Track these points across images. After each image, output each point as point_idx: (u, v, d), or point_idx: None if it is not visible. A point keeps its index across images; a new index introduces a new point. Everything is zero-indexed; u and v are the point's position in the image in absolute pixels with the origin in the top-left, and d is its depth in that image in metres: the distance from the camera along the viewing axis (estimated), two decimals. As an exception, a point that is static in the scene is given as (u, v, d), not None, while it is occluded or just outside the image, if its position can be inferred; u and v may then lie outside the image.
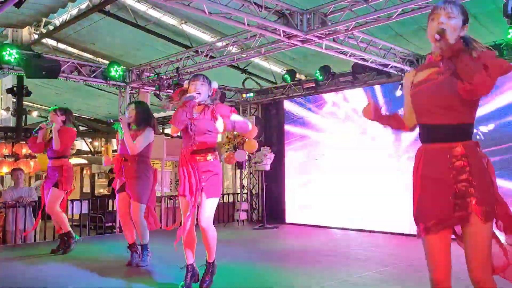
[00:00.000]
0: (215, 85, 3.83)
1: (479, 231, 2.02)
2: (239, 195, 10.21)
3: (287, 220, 9.34)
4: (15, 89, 10.47)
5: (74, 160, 12.60)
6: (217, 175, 3.69)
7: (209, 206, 3.67)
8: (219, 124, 3.69)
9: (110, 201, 9.07)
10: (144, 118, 4.82)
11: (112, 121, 5.14)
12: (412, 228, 7.47)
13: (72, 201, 7.68)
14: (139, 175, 4.74)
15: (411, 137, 7.61)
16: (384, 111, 2.39)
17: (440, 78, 2.07)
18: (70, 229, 5.65)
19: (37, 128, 5.65)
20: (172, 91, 8.52)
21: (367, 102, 2.38)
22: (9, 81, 11.57)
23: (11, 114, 12.16)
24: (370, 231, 7.97)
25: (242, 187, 10.42)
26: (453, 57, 1.93)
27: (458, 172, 2.03)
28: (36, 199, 7.39)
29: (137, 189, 4.70)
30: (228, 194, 10.41)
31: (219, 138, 4.28)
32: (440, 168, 2.06)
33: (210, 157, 3.68)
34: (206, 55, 7.49)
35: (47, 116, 5.88)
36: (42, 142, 5.60)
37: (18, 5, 5.13)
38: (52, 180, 5.53)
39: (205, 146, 3.67)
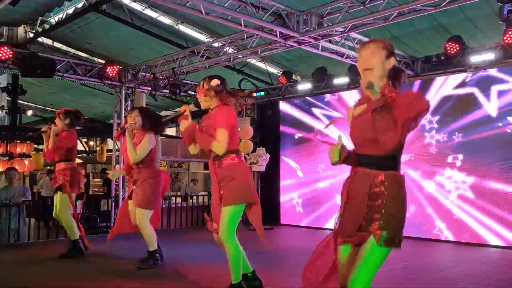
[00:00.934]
0: (214, 82, 3.59)
1: (371, 251, 2.22)
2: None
3: (282, 221, 9.34)
4: (10, 87, 10.42)
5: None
6: (233, 180, 3.38)
7: (224, 215, 3.38)
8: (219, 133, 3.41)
9: (104, 201, 9.03)
10: (147, 125, 4.77)
11: (119, 129, 4.98)
12: (406, 230, 7.48)
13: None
14: (145, 181, 4.71)
15: (407, 139, 7.62)
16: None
17: (368, 115, 2.27)
18: (77, 237, 5.42)
19: (39, 132, 5.58)
20: (167, 91, 8.51)
21: (337, 142, 2.37)
22: (4, 79, 11.51)
23: (6, 113, 12.09)
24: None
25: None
26: (373, 112, 2.20)
27: (372, 197, 2.26)
28: (30, 198, 7.36)
29: (143, 195, 4.67)
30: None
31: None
32: (361, 190, 2.29)
33: (226, 161, 3.43)
34: (202, 56, 7.47)
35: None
36: (50, 148, 5.43)
37: (14, 3, 5.10)
38: (58, 184, 5.45)
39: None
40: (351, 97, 8.51)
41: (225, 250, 3.40)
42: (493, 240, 6.54)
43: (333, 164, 2.35)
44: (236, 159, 3.45)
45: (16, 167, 9.37)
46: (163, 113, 14.25)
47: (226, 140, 3.36)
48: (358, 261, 2.23)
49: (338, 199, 8.40)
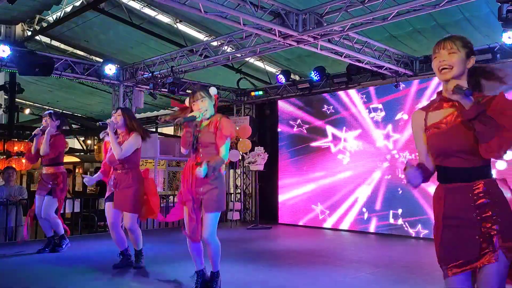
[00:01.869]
0: (214, 91, 3.77)
1: (497, 269, 1.96)
2: (233, 195, 10.19)
3: (280, 221, 9.34)
4: (7, 86, 10.38)
5: (66, 159, 12.50)
6: (216, 188, 3.57)
7: (209, 222, 3.57)
8: (225, 147, 3.59)
9: (101, 199, 9.01)
10: (131, 124, 4.73)
11: (101, 124, 4.99)
12: (405, 230, 7.50)
13: (64, 199, 7.63)
14: (132, 184, 4.64)
15: (403, 139, 7.64)
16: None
17: (457, 122, 2.06)
18: (63, 232, 5.64)
19: (31, 136, 5.58)
20: (166, 90, 8.50)
21: (409, 166, 2.14)
22: (2, 77, 11.46)
23: (3, 111, 12.05)
24: (363, 232, 7.99)
25: (236, 187, 10.41)
26: (472, 119, 1.94)
27: (481, 210, 2.00)
28: (26, 197, 7.35)
29: (131, 199, 4.61)
30: (221, 194, 10.40)
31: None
32: (463, 207, 2.03)
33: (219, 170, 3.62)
34: (201, 55, 7.46)
35: (39, 113, 5.85)
36: (36, 152, 5.52)
37: (11, 1, 5.08)
38: (46, 188, 5.50)
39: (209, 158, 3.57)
40: (350, 96, 8.51)
41: (209, 248, 3.63)
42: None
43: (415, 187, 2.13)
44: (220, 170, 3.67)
45: (14, 166, 9.36)
46: (162, 112, 14.24)
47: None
48: (489, 283, 1.95)
49: (336, 198, 8.43)
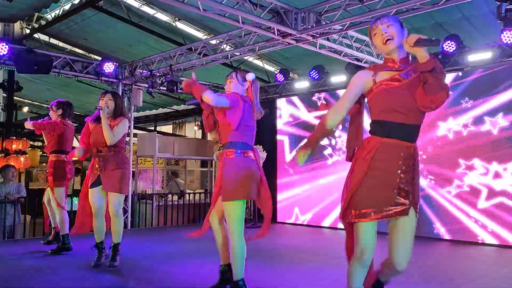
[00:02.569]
0: (249, 77, 3.49)
1: (412, 224, 2.30)
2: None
3: (278, 219, 9.34)
4: (6, 84, 10.37)
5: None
6: (229, 174, 3.36)
7: (226, 212, 3.41)
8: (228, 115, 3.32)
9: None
10: (121, 109, 4.70)
11: (97, 107, 4.73)
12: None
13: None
14: (120, 166, 4.60)
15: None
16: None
17: (405, 82, 2.27)
18: (67, 231, 5.42)
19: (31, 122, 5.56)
20: (165, 88, 8.49)
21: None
22: (0, 75, 11.46)
23: (1, 109, 12.04)
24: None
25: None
26: (429, 71, 2.14)
27: (406, 169, 2.25)
28: (25, 195, 7.35)
29: (120, 180, 4.56)
30: (220, 193, 10.40)
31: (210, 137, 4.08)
32: (392, 162, 2.24)
33: (229, 154, 3.42)
34: (200, 53, 7.46)
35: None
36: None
37: (10, -2, 5.07)
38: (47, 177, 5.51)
39: (224, 141, 3.48)
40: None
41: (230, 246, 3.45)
42: (488, 239, 6.57)
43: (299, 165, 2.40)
44: (232, 154, 3.42)
45: (12, 164, 9.35)
46: (160, 110, 14.23)
47: (216, 99, 3.21)
48: (406, 236, 2.26)
49: (334, 197, 8.43)
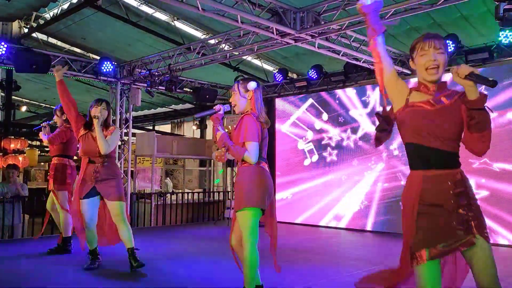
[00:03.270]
0: (251, 86, 3.41)
1: (488, 251, 2.08)
2: (230, 193, 10.20)
3: (277, 219, 9.33)
4: (4, 83, 10.34)
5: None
6: (241, 182, 3.35)
7: (239, 222, 3.38)
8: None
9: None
10: (109, 118, 4.71)
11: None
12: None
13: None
14: (114, 175, 4.58)
15: (400, 138, 7.65)
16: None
17: (438, 107, 2.14)
18: (70, 234, 5.45)
19: (37, 127, 5.55)
20: (163, 88, 8.49)
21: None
22: (-2, 75, 11.43)
23: (0, 108, 12.01)
24: (359, 230, 8.01)
25: (233, 185, 10.41)
26: (474, 107, 2.00)
27: (459, 198, 2.08)
28: (27, 195, 7.38)
29: (118, 189, 4.53)
30: (219, 192, 10.42)
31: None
32: (443, 195, 2.09)
33: (243, 163, 3.38)
34: (198, 52, 7.45)
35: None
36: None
37: (8, -2, 5.06)
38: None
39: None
40: (347, 94, 8.52)
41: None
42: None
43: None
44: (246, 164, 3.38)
45: (14, 163, 9.33)
46: (159, 110, 14.22)
47: (256, 153, 3.31)
48: (485, 269, 2.07)
49: (333, 196, 8.45)
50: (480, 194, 6.65)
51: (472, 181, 2.38)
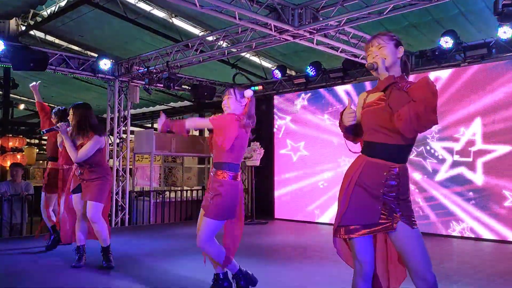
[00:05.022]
0: (247, 94, 3.52)
1: (411, 234, 2.27)
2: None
3: (276, 216, 9.35)
4: (1, 81, 10.32)
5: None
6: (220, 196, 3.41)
7: (202, 224, 3.46)
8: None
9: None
10: (85, 124, 4.53)
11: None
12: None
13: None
14: (100, 177, 4.54)
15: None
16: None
17: (383, 104, 2.30)
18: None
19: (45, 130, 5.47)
20: (162, 85, 8.47)
21: (348, 105, 2.45)
22: (-4, 73, 11.39)
23: (-3, 106, 11.98)
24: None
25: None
26: (386, 90, 2.24)
27: (388, 189, 2.29)
28: (33, 193, 7.44)
29: (98, 190, 4.49)
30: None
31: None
32: (375, 181, 2.31)
33: (220, 175, 3.45)
34: (196, 50, 7.43)
35: (34, 109, 5.84)
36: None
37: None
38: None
39: (216, 160, 3.53)
40: (346, 91, 8.51)
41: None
42: (486, 234, 6.60)
43: (346, 126, 2.44)
44: (227, 177, 3.44)
45: (8, 162, 9.34)
46: (157, 107, 14.19)
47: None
48: (413, 251, 2.25)
49: (332, 193, 8.44)
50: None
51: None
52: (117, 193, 8.63)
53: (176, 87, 8.78)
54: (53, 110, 5.62)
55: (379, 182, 2.30)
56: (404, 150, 2.35)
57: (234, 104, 3.50)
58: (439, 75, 7.25)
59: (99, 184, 4.52)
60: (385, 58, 2.32)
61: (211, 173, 3.53)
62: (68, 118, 4.62)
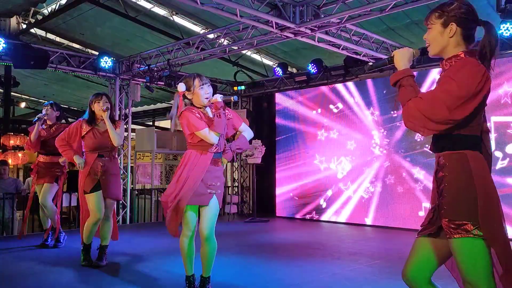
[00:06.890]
0: (180, 88, 3.82)
1: (450, 245, 1.93)
2: (230, 188, 10.19)
3: (277, 214, 9.34)
4: (2, 79, 10.31)
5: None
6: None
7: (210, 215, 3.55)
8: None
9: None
10: (113, 112, 4.83)
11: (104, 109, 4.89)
12: (402, 222, 7.51)
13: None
14: (117, 172, 4.71)
15: (401, 131, 7.63)
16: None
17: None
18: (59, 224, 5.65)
19: (35, 119, 5.46)
20: (163, 83, 8.45)
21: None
22: (-3, 71, 11.39)
23: (-1, 105, 12.00)
24: (360, 225, 8.00)
25: (233, 180, 10.40)
26: (393, 85, 2.08)
27: (439, 182, 2.00)
28: (21, 191, 7.39)
29: (119, 188, 4.70)
30: (219, 187, 10.40)
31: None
32: (435, 177, 2.07)
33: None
34: (197, 47, 7.41)
35: (35, 107, 5.83)
36: (37, 139, 5.40)
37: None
38: (54, 175, 5.63)
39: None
40: (347, 88, 8.49)
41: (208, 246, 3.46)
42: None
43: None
44: None
45: (10, 160, 9.33)
46: (158, 105, 14.18)
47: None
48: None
49: (333, 191, 8.43)
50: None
51: None
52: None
53: (177, 85, 8.75)
54: (49, 102, 5.75)
55: (435, 176, 2.13)
56: (453, 138, 1.99)
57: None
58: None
59: (119, 181, 4.74)
60: (429, 44, 2.18)
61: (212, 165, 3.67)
62: (99, 106, 4.59)
